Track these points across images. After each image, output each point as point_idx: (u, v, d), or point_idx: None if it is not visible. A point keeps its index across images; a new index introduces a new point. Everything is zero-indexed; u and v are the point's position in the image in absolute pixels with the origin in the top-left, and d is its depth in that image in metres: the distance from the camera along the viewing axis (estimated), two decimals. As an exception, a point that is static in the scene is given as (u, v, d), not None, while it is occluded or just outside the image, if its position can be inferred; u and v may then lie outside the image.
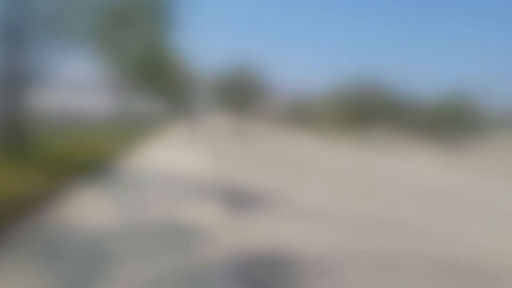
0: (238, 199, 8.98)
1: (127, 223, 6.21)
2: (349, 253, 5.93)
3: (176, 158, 15.43)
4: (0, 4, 10.58)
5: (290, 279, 4.67)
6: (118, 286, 4.03)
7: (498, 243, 7.51)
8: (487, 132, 64.09)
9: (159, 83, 43.28)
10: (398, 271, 5.47)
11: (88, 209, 6.88)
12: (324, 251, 5.86)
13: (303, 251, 5.75)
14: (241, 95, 65.62)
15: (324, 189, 11.81)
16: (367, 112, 65.39)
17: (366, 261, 5.66)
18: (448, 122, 63.47)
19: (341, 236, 6.83)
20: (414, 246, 6.77)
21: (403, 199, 11.52)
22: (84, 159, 12.62)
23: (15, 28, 10.76)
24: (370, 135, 67.06)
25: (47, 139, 15.55)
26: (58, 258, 4.61)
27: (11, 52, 10.67)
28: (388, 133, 67.44)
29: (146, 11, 28.14)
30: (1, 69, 10.65)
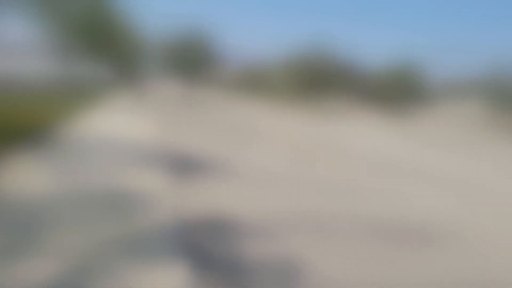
0: (184, 166, 8.86)
1: (66, 191, 5.99)
2: (293, 216, 5.97)
3: (121, 126, 15.12)
4: None
5: (233, 244, 4.65)
6: (53, 254, 3.87)
7: (436, 206, 7.76)
8: (432, 100, 66.58)
9: (104, 48, 41.45)
10: (341, 233, 5.54)
11: (25, 177, 6.60)
12: (267, 215, 5.88)
13: (246, 216, 5.74)
14: (191, 61, 64.26)
15: (272, 155, 11.84)
16: (318, 80, 66.05)
17: (309, 224, 5.72)
18: (395, 90, 65.34)
19: (286, 200, 6.87)
20: (357, 209, 6.89)
21: (350, 165, 11.74)
22: (22, 125, 12.02)
23: None
24: (321, 103, 68.01)
25: None
26: None
27: None
28: (339, 101, 68.60)
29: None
30: None
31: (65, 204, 5.38)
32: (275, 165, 10.15)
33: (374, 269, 4.48)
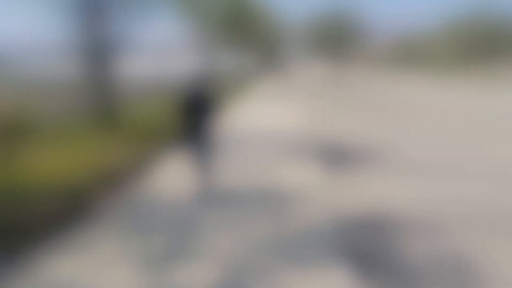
0: (337, 156, 8.27)
1: (220, 188, 6.03)
2: (461, 209, 5.09)
3: (269, 116, 14.75)
4: None
5: (396, 242, 4.13)
6: (211, 255, 3.82)
7: None
8: None
9: (247, 36, 41.07)
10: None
11: (179, 175, 6.72)
12: (431, 209, 5.11)
13: (408, 210, 5.09)
14: (335, 39, 60.85)
15: (435, 138, 10.32)
16: (485, 44, 57.12)
17: (480, 216, 4.82)
18: None
19: (452, 191, 5.87)
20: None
21: None
22: (170, 123, 12.04)
23: None
24: (490, 72, 58.84)
25: (134, 107, 15.41)
26: (151, 228, 4.51)
27: (92, 21, 10.79)
28: (507, 62, 58.52)
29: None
30: (84, 39, 10.83)
31: (221, 202, 5.37)
32: (438, 151, 8.75)
33: None
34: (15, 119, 10.13)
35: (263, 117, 14.22)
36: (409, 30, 73.27)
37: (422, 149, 8.92)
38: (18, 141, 8.67)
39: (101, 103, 11.02)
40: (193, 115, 5.97)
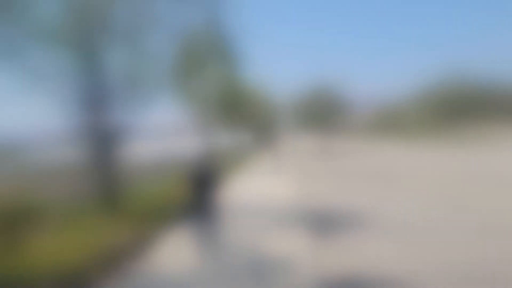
0: (324, 224, 8.63)
1: (213, 263, 6.22)
2: (453, 272, 5.37)
3: (263, 188, 15.38)
4: (80, 66, 11.39)
5: None
6: None
7: None
8: None
9: (242, 116, 44.00)
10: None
11: (174, 253, 6.93)
12: (421, 272, 5.40)
13: (398, 273, 5.35)
14: (322, 113, 64.89)
15: (418, 201, 11.01)
16: (458, 107, 61.31)
17: (474, 278, 5.11)
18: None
19: (441, 253, 6.24)
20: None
21: (503, 199, 10.36)
22: (173, 204, 12.76)
23: (96, 88, 11.53)
24: (465, 132, 62.56)
25: (137, 190, 16.04)
26: None
27: (95, 111, 11.30)
28: (485, 127, 62.38)
29: (216, 50, 29.03)
30: (88, 128, 11.25)
31: (216, 275, 5.52)
32: (422, 213, 9.39)
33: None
34: (19, 205, 10.10)
35: (257, 190, 14.57)
36: (386, 99, 78.14)
37: (407, 212, 9.36)
38: (22, 226, 8.64)
39: (105, 188, 11.22)
40: (200, 187, 7.16)
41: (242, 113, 43.40)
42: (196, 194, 7.08)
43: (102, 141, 11.40)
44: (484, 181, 14.17)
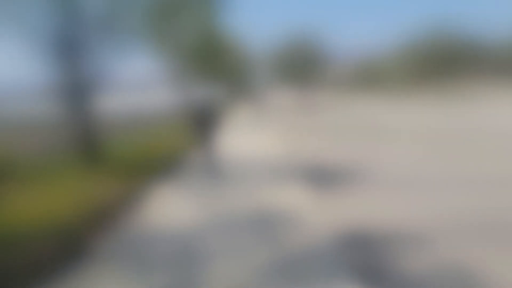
0: (319, 177, 8.48)
1: (212, 217, 5.98)
2: (449, 218, 5.38)
3: (246, 144, 15.04)
4: (52, 13, 10.68)
5: (393, 256, 4.31)
6: (214, 285, 3.80)
7: None
8: None
9: (219, 68, 42.80)
10: (507, 232, 4.71)
11: (169, 208, 6.68)
12: (421, 221, 5.36)
13: (398, 224, 5.28)
14: (302, 66, 63.74)
15: (405, 152, 10.98)
16: (439, 62, 60.99)
17: (468, 225, 5.12)
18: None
19: (435, 201, 6.20)
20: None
21: (493, 152, 10.29)
22: (156, 157, 12.30)
23: (69, 36, 10.90)
24: (446, 87, 62.62)
25: (117, 143, 15.45)
26: (148, 263, 4.44)
27: (69, 60, 10.82)
28: (466, 81, 62.53)
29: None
30: (63, 79, 10.81)
31: (214, 232, 5.33)
32: (411, 163, 9.35)
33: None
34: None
35: (242, 146, 14.24)
36: (368, 53, 77.24)
37: (401, 164, 9.21)
38: (1, 182, 8.42)
39: (83, 140, 10.91)
40: (203, 128, 7.86)
41: (219, 64, 42.09)
42: (199, 135, 7.40)
43: (77, 91, 10.92)
44: (470, 133, 14.08)
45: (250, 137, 17.32)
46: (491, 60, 60.64)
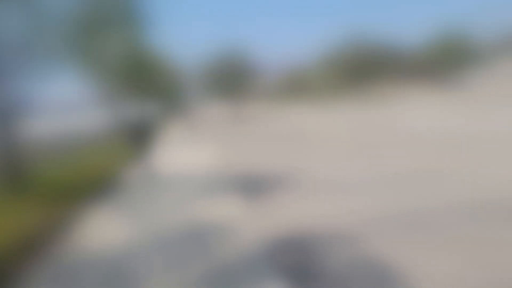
0: (252, 186, 8.64)
1: (147, 235, 5.96)
2: (378, 217, 5.62)
3: (180, 158, 15.09)
4: None
5: (326, 255, 4.50)
6: None
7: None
8: (485, 62, 63.12)
9: (148, 85, 42.58)
10: (436, 226, 5.04)
11: (104, 229, 6.59)
12: (351, 221, 5.59)
13: (329, 225, 5.48)
14: (232, 79, 64.85)
15: (334, 157, 11.40)
16: (362, 68, 64.52)
17: (397, 221, 5.37)
18: (444, 61, 62.54)
19: (365, 201, 6.51)
20: (444, 195, 6.33)
21: (417, 149, 11.08)
22: (89, 178, 12.13)
23: None
24: (369, 91, 66.27)
25: (45, 167, 15.04)
26: (85, 286, 4.37)
27: None
28: (388, 85, 66.54)
29: (119, 12, 27.41)
30: None
31: (150, 249, 5.32)
32: (340, 167, 9.72)
33: (489, 257, 4.01)
34: None
35: (175, 160, 14.27)
36: (295, 62, 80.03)
37: (324, 169, 9.57)
38: None
39: (8, 167, 10.56)
40: (136, 142, 8.36)
41: (149, 81, 41.94)
42: (135, 151, 7.87)
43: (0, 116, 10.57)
44: (392, 134, 15.10)
45: (183, 151, 17.43)
46: (408, 64, 65.10)
